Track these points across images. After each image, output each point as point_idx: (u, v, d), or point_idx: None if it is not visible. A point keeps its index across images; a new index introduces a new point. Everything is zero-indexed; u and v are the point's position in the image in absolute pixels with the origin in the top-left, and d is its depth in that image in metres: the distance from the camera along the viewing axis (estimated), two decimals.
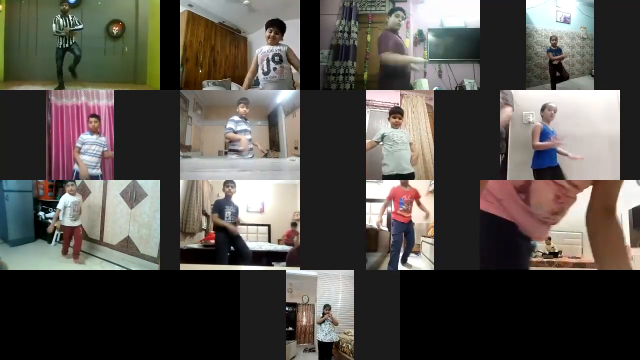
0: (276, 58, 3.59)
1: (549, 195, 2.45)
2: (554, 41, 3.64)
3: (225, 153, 4.10)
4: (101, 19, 4.20)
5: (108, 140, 3.62)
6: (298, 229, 4.58)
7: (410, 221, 3.76)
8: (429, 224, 3.89)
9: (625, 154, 3.17)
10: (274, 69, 3.58)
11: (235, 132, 4.02)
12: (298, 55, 3.39)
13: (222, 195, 3.91)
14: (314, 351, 3.33)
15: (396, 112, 3.69)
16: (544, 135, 3.49)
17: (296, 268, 3.21)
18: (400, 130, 3.66)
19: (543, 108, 3.46)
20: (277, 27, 3.60)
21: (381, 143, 3.62)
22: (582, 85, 3.52)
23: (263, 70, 3.61)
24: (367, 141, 3.50)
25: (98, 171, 3.62)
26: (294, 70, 3.60)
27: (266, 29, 3.62)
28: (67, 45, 3.74)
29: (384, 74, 3.73)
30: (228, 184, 3.85)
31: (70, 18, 3.76)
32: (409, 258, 3.87)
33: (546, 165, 3.44)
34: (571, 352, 3.08)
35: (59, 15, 3.73)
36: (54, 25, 3.71)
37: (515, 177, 3.43)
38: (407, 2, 3.97)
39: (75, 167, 3.62)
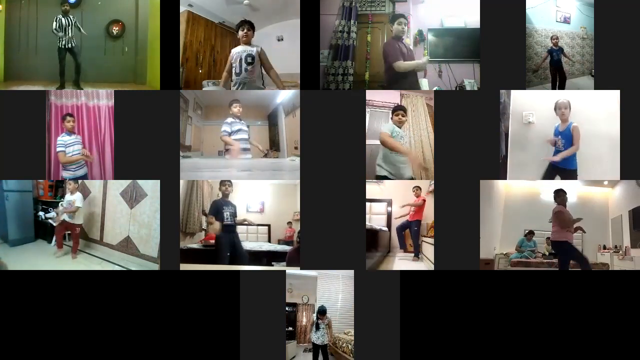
0: (248, 59, 3.66)
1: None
2: (555, 40, 3.63)
3: (226, 151, 4.11)
4: (101, 19, 4.20)
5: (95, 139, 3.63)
6: (294, 226, 4.63)
7: (408, 221, 4.13)
8: (429, 224, 3.89)
9: (625, 154, 3.17)
10: (246, 69, 3.66)
11: (231, 134, 4.01)
12: (270, 58, 3.64)
13: (220, 196, 3.89)
14: None
15: (399, 110, 3.57)
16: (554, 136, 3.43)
17: (296, 268, 3.21)
18: (403, 131, 3.58)
19: (555, 108, 3.37)
20: (248, 25, 3.70)
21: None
22: (582, 85, 3.52)
23: (235, 71, 3.68)
24: (383, 134, 3.48)
25: (85, 170, 3.58)
26: (264, 72, 3.69)
27: (239, 30, 3.70)
28: (69, 46, 3.75)
29: (391, 77, 3.65)
30: (224, 183, 3.83)
31: (72, 20, 3.76)
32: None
33: (562, 166, 3.38)
34: (570, 352, 3.08)
35: (61, 15, 3.74)
36: (54, 23, 3.71)
37: (515, 177, 3.42)
38: (407, 2, 3.97)
39: (65, 173, 3.54)
